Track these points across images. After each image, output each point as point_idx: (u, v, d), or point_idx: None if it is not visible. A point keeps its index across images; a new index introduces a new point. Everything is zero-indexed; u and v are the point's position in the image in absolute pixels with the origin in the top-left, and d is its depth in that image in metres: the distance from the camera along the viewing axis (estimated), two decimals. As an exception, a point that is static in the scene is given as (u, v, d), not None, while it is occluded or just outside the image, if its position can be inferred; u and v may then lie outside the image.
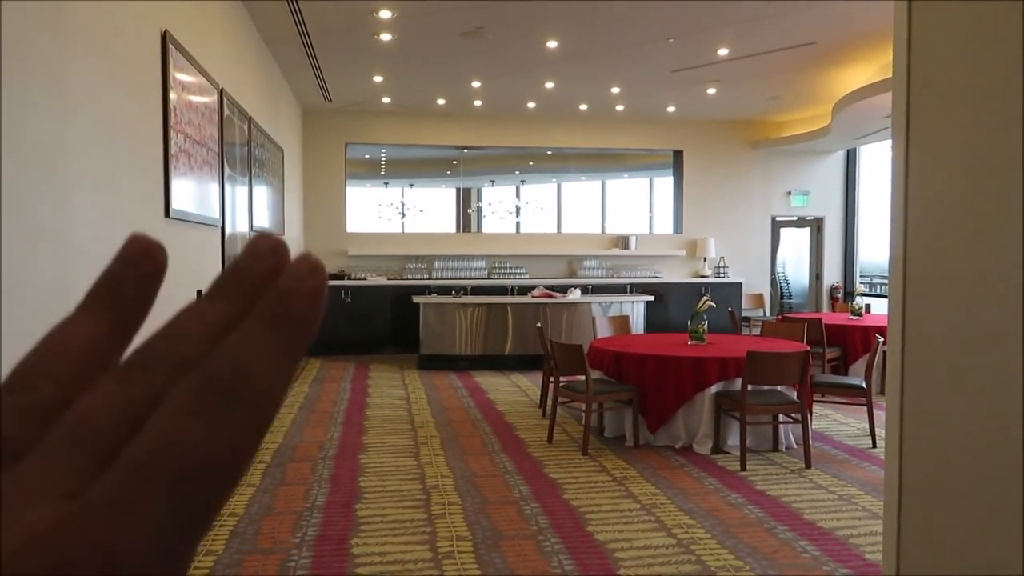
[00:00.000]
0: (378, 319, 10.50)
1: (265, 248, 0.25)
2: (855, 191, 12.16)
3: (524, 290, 10.32)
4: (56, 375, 0.23)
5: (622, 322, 7.71)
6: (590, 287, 10.80)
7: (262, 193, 6.96)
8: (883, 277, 12.09)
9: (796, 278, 12.97)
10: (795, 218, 12.43)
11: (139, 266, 0.25)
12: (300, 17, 6.62)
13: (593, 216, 12.16)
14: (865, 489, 4.74)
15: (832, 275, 12.29)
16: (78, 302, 0.24)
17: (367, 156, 11.69)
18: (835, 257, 12.29)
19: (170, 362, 0.23)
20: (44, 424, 0.22)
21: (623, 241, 11.68)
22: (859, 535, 3.99)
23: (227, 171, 5.36)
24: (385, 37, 7.20)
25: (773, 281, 12.51)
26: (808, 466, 5.18)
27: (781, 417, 5.53)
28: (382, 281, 10.75)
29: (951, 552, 1.62)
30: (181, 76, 4.21)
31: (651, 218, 12.27)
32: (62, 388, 0.23)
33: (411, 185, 11.99)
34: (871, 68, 8.23)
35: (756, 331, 9.59)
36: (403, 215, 11.71)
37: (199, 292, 4.67)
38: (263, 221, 6.95)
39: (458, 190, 11.97)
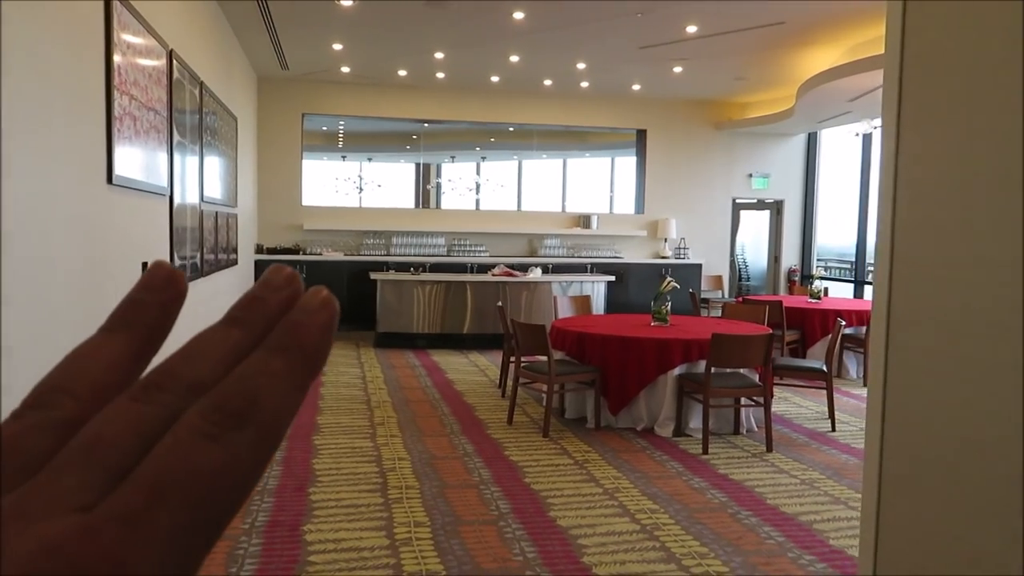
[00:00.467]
0: (334, 295, 10.23)
1: (279, 280, 0.27)
2: (815, 175, 12.22)
3: (484, 268, 10.17)
4: (77, 393, 0.24)
5: (583, 302, 7.62)
6: (550, 266, 10.69)
7: (214, 163, 6.65)
8: (840, 261, 12.20)
9: (754, 260, 13.02)
10: (755, 201, 12.45)
11: (161, 293, 0.26)
12: (256, -22, 6.31)
13: (554, 195, 12.03)
14: (826, 474, 4.73)
15: (790, 258, 12.36)
16: (101, 324, 0.26)
17: (324, 128, 11.37)
18: (793, 240, 12.36)
19: (185, 384, 0.24)
20: (62, 439, 0.23)
21: (584, 220, 11.57)
22: (822, 520, 3.96)
23: (176, 138, 5.07)
24: (346, 2, 6.91)
25: (732, 263, 12.54)
26: (769, 449, 5.16)
27: (743, 400, 5.49)
28: (338, 257, 10.50)
29: (933, 552, 1.52)
30: (127, 35, 3.94)
31: (612, 198, 12.18)
32: (82, 405, 0.24)
33: (369, 159, 11.71)
34: (838, 50, 8.19)
35: (716, 313, 9.58)
36: (361, 190, 11.43)
37: (144, 264, 4.39)
38: (215, 192, 6.66)
39: (418, 165, 11.73)
